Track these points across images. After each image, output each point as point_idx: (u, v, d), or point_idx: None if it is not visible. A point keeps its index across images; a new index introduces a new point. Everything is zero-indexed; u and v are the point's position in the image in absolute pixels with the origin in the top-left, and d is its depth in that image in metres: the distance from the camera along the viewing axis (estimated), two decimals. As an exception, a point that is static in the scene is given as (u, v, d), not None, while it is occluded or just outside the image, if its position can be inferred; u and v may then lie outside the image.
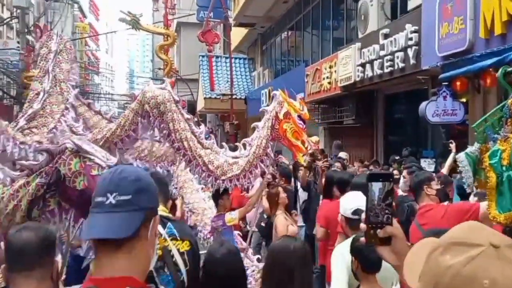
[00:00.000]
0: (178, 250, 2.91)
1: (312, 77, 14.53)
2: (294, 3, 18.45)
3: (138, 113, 4.38)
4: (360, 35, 12.04)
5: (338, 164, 9.12)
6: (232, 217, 5.65)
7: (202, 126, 4.66)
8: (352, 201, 3.87)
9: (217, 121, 29.81)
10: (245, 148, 4.55)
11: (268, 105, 4.74)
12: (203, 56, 25.62)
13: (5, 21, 26.40)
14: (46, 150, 3.16)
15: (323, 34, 16.62)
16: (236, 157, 4.45)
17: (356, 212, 3.68)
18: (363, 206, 1.50)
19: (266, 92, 18.99)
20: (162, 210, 2.90)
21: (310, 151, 4.72)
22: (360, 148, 12.96)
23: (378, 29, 10.78)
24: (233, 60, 22.28)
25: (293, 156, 4.77)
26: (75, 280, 2.85)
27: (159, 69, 31.02)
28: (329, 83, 13.06)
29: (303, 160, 4.70)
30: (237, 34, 23.33)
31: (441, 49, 7.93)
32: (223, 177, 4.30)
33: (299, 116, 4.52)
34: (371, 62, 10.45)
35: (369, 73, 10.56)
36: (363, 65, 10.84)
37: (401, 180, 6.58)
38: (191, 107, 27.18)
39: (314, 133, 16.39)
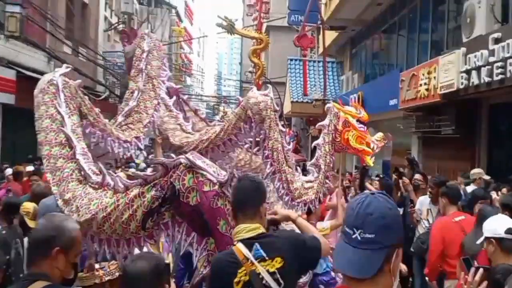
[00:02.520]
0: (268, 270, 2.80)
1: (407, 83, 13.73)
2: (388, 5, 17.71)
3: (241, 118, 4.53)
4: (464, 40, 11.14)
5: (418, 176, 8.55)
6: (323, 226, 5.53)
7: (291, 145, 4.90)
8: (501, 221, 3.68)
9: (302, 125, 29.45)
10: (316, 172, 4.59)
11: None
12: (292, 60, 25.33)
13: (113, 26, 28.18)
14: (161, 163, 3.23)
15: (420, 38, 15.73)
16: (310, 181, 4.52)
17: (510, 231, 3.47)
18: None
19: (355, 97, 18.34)
20: (250, 230, 2.88)
21: (376, 151, 4.65)
22: (459, 161, 12.02)
23: (487, 33, 9.88)
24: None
25: (361, 161, 4.78)
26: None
27: (249, 72, 31.27)
28: (427, 90, 12.23)
29: (371, 162, 4.61)
30: (326, 37, 22.75)
31: None
32: (298, 200, 4.34)
33: (359, 121, 4.52)
34: (477, 69, 9.58)
35: (475, 80, 9.69)
36: (468, 72, 9.98)
37: None
38: (280, 112, 27.09)
39: (407, 142, 15.58)
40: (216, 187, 3.17)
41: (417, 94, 12.89)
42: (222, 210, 3.18)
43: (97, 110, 4.53)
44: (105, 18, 27.97)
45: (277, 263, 2.83)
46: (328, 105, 4.78)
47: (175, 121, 5.54)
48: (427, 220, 6.87)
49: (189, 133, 5.43)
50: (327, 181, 4.57)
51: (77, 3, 22.39)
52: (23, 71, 16.22)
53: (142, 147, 5.10)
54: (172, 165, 3.20)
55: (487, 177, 8.58)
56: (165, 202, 3.24)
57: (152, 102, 5.21)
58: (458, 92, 10.58)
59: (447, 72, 10.95)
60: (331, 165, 4.56)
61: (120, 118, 5.06)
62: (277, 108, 4.56)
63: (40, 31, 17.53)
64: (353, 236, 1.61)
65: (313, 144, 4.78)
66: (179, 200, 3.19)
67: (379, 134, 4.89)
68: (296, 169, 4.67)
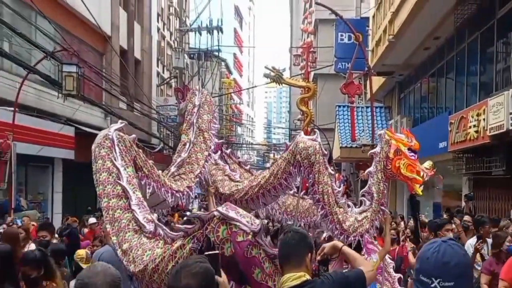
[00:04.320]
0: None
1: (456, 126, 13.67)
2: (436, 49, 17.77)
3: (290, 162, 4.66)
4: (512, 81, 11.12)
5: (467, 217, 8.54)
6: (374, 261, 5.39)
7: (341, 187, 5.02)
8: None
9: (351, 169, 29.34)
10: (368, 200, 4.67)
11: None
12: (340, 106, 25.49)
13: (166, 81, 29.41)
14: (198, 217, 3.32)
15: (469, 80, 15.68)
16: (363, 211, 4.62)
17: None
18: None
19: (405, 142, 18.23)
20: (295, 279, 2.93)
21: (426, 179, 4.60)
22: (510, 201, 11.80)
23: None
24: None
25: (409, 189, 4.72)
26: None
27: (298, 120, 31.62)
28: (476, 131, 12.16)
29: (420, 191, 4.57)
30: (374, 83, 22.84)
31: None
32: (354, 234, 4.49)
33: (410, 149, 4.53)
34: (526, 109, 9.54)
35: (524, 121, 9.64)
36: (517, 113, 9.94)
37: None
38: (328, 156, 27.15)
39: (458, 184, 15.35)
40: (250, 236, 3.21)
41: (466, 136, 12.80)
42: (257, 259, 3.24)
43: (151, 162, 4.74)
44: (158, 73, 28.97)
45: None
46: (379, 132, 4.86)
47: (223, 172, 5.79)
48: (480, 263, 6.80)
49: (237, 181, 5.63)
50: (382, 207, 4.60)
51: (130, 60, 23.41)
52: (81, 127, 17.12)
53: (193, 196, 5.29)
54: (207, 218, 3.27)
55: None
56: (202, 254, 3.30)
57: (203, 154, 5.44)
58: (508, 133, 10.50)
59: (496, 114, 10.90)
60: (385, 192, 4.58)
61: (173, 169, 5.27)
62: (326, 153, 4.70)
63: (96, 89, 18.41)
64: (432, 286, 1.66)
65: (366, 171, 4.90)
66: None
67: (429, 163, 4.91)
68: (348, 205, 4.80)
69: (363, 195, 4.77)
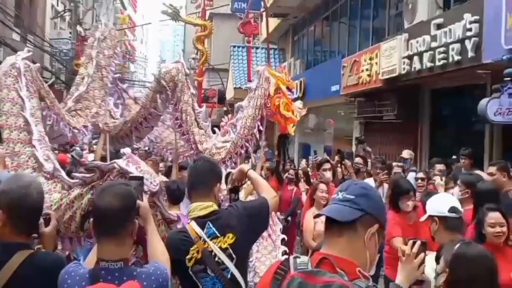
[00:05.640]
0: (220, 247, 2.91)
1: (349, 69, 13.76)
2: (330, -8, 17.70)
3: (157, 90, 4.77)
4: (406, 25, 11.17)
5: (358, 159, 8.80)
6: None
7: (204, 107, 5.05)
8: (444, 200, 3.72)
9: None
10: (233, 132, 4.67)
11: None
12: (235, 47, 25.13)
13: (59, 14, 28.58)
14: (98, 167, 3.23)
15: (362, 25, 15.76)
16: (226, 141, 4.62)
17: (454, 209, 3.55)
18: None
19: (297, 83, 18.28)
20: (203, 209, 2.97)
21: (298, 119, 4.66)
22: (401, 146, 12.09)
23: (428, 19, 9.94)
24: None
25: (281, 129, 4.77)
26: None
27: (193, 58, 30.99)
28: (369, 75, 12.27)
29: (292, 131, 4.70)
30: (269, 25, 22.64)
31: (508, 41, 7.10)
32: None
33: (287, 88, 4.58)
34: (420, 54, 9.61)
35: (416, 66, 9.74)
36: (410, 57, 10.02)
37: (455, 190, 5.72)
38: (221, 96, 27.00)
39: (349, 128, 15.66)
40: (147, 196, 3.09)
41: (358, 79, 12.93)
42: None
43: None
44: (52, 6, 27.74)
45: (229, 238, 2.93)
46: (259, 67, 4.78)
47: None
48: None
49: (116, 119, 5.69)
50: (245, 143, 4.57)
51: (24, -10, 21.73)
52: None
53: (88, 135, 5.38)
54: (106, 169, 3.18)
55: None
56: None
57: (100, 92, 5.47)
58: (400, 78, 10.64)
59: (389, 58, 10.98)
60: (254, 130, 4.54)
61: (70, 103, 5.28)
62: (187, 72, 4.82)
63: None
64: (337, 197, 1.91)
65: (235, 105, 4.89)
66: None
67: (300, 102, 4.95)
68: (214, 131, 4.93)
69: (230, 127, 4.77)
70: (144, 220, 2.69)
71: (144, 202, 2.71)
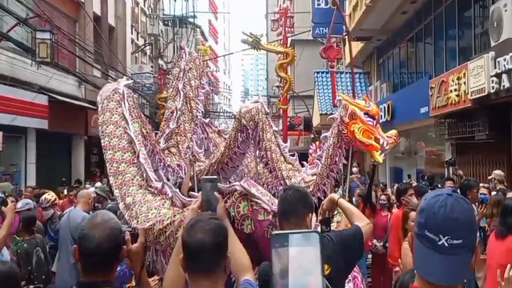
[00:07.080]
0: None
1: (437, 90, 13.66)
2: (413, 13, 17.69)
3: (238, 129, 4.79)
4: (492, 44, 11.06)
5: (450, 183, 8.55)
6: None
7: (288, 142, 5.15)
8: None
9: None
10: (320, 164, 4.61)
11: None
12: (319, 72, 25.29)
13: (140, 48, 28.88)
14: (218, 189, 3.16)
15: (448, 44, 15.64)
16: (315, 174, 4.56)
17: None
18: None
19: (385, 107, 18.27)
20: None
21: (386, 148, 4.33)
22: (493, 166, 11.84)
23: (515, 36, 9.81)
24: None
25: (371, 157, 4.50)
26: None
27: (276, 87, 31.41)
28: (458, 95, 12.17)
29: (380, 158, 4.31)
30: (352, 48, 22.61)
31: None
32: None
33: (367, 114, 4.33)
34: (508, 72, 9.52)
35: (505, 84, 9.63)
36: (498, 76, 9.93)
37: None
38: (308, 123, 27.07)
39: (440, 150, 15.42)
40: (270, 216, 3.13)
41: (447, 100, 12.82)
42: None
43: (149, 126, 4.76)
44: (132, 40, 28.48)
45: (325, 270, 2.79)
46: (337, 97, 4.77)
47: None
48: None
49: (201, 160, 5.47)
50: (331, 173, 4.45)
51: (104, 26, 22.85)
52: (55, 96, 16.57)
53: (183, 176, 5.09)
54: (228, 191, 3.18)
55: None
56: None
57: (190, 125, 5.38)
58: (489, 96, 10.51)
59: (477, 77, 10.88)
60: (336, 159, 4.42)
61: (162, 142, 5.20)
62: (268, 111, 4.83)
63: (69, 57, 17.90)
64: (440, 243, 1.57)
65: (321, 137, 4.83)
66: (234, 227, 3.08)
67: (393, 131, 4.69)
68: (302, 165, 4.93)
69: (318, 159, 4.73)
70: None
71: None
